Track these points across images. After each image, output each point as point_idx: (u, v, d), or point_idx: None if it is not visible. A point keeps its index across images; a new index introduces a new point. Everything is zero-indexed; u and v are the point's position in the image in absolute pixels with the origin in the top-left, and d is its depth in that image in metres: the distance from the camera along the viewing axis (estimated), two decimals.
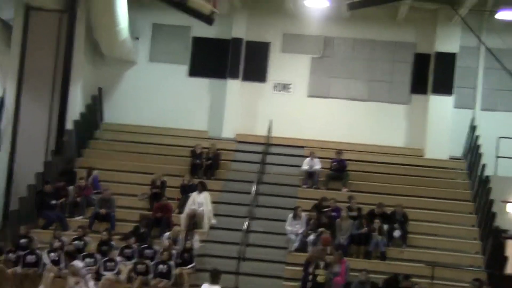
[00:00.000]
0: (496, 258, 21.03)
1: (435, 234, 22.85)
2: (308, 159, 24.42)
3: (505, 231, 22.50)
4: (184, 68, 27.22)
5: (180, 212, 22.64)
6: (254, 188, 23.13)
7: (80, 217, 22.54)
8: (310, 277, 19.55)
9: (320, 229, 21.45)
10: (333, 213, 22.12)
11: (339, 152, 24.53)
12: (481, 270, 21.36)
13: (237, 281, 20.39)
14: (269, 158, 25.26)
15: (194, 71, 27.12)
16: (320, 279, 19.44)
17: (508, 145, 24.06)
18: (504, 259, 20.96)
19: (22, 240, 20.66)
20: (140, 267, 20.14)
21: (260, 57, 26.88)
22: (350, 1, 22.46)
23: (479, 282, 19.02)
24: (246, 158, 25.43)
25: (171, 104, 26.96)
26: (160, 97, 27.00)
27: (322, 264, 19.65)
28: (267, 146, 25.56)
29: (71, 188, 22.97)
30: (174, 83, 27.14)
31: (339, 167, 24.27)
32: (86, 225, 21.68)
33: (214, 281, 13.45)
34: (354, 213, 22.26)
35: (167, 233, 21.21)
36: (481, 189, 23.42)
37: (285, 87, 26.83)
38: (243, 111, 26.81)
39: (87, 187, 22.97)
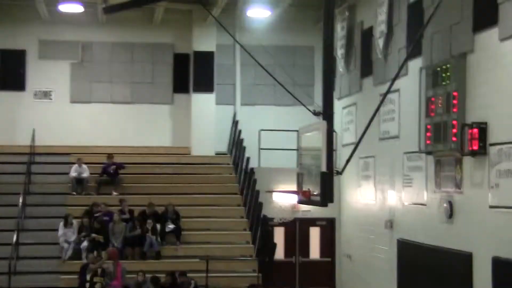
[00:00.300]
0: (266, 245, 21.92)
1: (207, 229, 23.44)
2: (75, 166, 24.00)
3: (271, 219, 23.53)
4: None
5: None
6: (21, 200, 22.44)
7: None
8: (88, 284, 19.42)
9: (93, 235, 21.31)
10: (105, 218, 21.99)
11: (110, 155, 24.32)
12: (252, 259, 22.21)
13: None
14: (35, 168, 24.56)
15: None
16: (97, 286, 19.42)
17: (268, 137, 25.08)
18: (273, 246, 21.89)
19: None
20: None
21: (16, 65, 26.04)
22: (105, 6, 22.36)
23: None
24: (9, 169, 24.56)
25: None
26: None
27: (99, 271, 19.58)
28: (31, 156, 24.84)
29: None
30: None
31: (116, 169, 24.02)
32: None
33: None
34: (127, 216, 22.29)
35: None
36: (247, 181, 24.31)
37: (46, 94, 26.19)
38: (1, 121, 25.83)
39: None
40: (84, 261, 20.67)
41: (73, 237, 21.48)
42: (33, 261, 21.31)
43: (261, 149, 25.07)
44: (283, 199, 24.17)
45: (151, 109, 26.66)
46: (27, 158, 24.54)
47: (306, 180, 15.93)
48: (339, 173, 15.19)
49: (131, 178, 24.61)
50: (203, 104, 26.35)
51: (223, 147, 26.74)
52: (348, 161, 15.53)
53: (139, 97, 26.62)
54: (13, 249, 20.78)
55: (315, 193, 16.88)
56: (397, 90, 19.25)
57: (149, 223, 21.70)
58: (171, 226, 22.09)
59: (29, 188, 23.67)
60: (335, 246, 25.97)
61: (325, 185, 14.29)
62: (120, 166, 24.11)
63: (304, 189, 16.32)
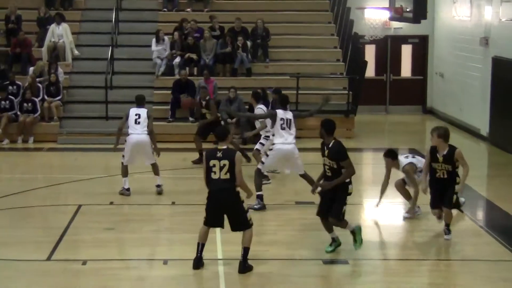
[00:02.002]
0: (356, 63, 21.77)
1: (297, 46, 23.31)
2: None
3: (362, 36, 23.20)
4: None
5: (40, 46, 22.05)
6: (114, 15, 22.67)
7: None
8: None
9: (188, 54, 21.41)
10: (196, 34, 22.09)
11: None
12: (343, 77, 22.17)
13: (107, 109, 20.42)
14: None
15: None
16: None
17: None
18: (364, 64, 21.71)
19: None
20: (4, 103, 19.78)
21: None
22: None
23: None
24: None
25: None
26: None
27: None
28: None
29: None
30: None
31: None
32: None
33: (140, 104, 13.99)
34: (217, 33, 22.32)
35: (31, 68, 20.75)
36: None
37: None
38: None
39: None
40: (177, 77, 21.02)
41: (165, 53, 21.75)
42: (128, 76, 21.81)
43: None
44: (374, 15, 23.70)
45: None
46: None
47: None
48: None
49: None
50: None
51: None
52: None
53: None
54: (109, 64, 21.24)
55: (407, 10, 16.59)
56: None
57: (240, 40, 21.71)
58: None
59: (121, 3, 23.82)
60: (427, 64, 25.67)
61: (418, 0, 13.89)
62: None
63: (397, 5, 16.07)
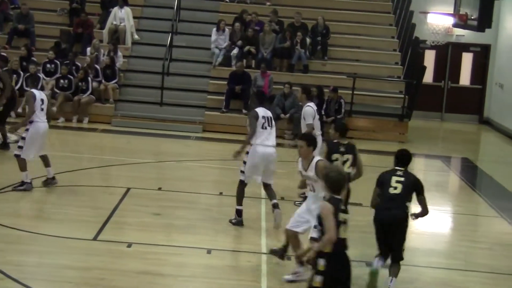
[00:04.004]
0: (414, 68, 21.55)
1: (356, 46, 23.18)
2: None
3: (423, 41, 22.96)
4: None
5: (102, 28, 22.29)
6: (176, 3, 22.79)
7: None
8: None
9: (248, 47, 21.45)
10: (256, 27, 22.10)
11: None
12: (400, 80, 21.98)
13: (162, 95, 20.55)
14: None
15: None
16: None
17: None
18: (423, 69, 21.48)
19: None
20: (63, 82, 20.05)
21: None
22: None
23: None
24: None
25: None
26: None
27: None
28: None
29: None
30: None
31: None
32: (5, 41, 21.24)
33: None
34: (277, 27, 22.29)
35: (89, 48, 21.00)
36: (401, 1, 23.62)
37: None
38: None
39: (3, 2, 22.21)
40: (233, 68, 21.05)
41: (224, 44, 21.79)
42: (185, 64, 21.91)
43: None
44: (437, 21, 23.42)
45: None
46: None
47: (464, 2, 15.30)
48: None
49: None
50: None
51: None
52: None
53: None
54: (167, 51, 21.36)
55: (472, 17, 16.29)
56: None
57: (299, 36, 21.65)
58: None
59: None
60: (487, 73, 25.32)
61: (484, 8, 13.67)
62: None
63: (461, 12, 15.82)
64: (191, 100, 20.88)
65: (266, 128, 11.48)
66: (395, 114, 20.83)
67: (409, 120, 21.05)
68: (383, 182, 9.25)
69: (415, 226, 12.10)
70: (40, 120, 12.70)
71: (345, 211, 7.37)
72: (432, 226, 12.71)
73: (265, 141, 11.46)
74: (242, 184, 11.57)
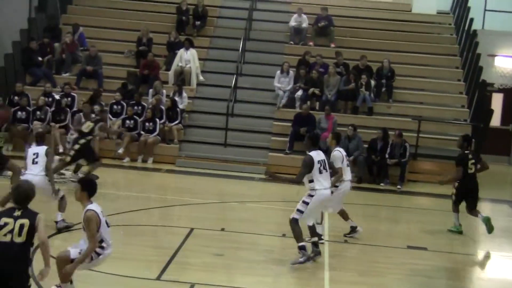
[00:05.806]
0: (481, 111, 21.24)
1: (421, 89, 22.99)
2: (295, 15, 24.14)
3: (491, 84, 22.64)
4: None
5: (167, 69, 22.59)
6: (241, 45, 23.00)
7: (67, 74, 22.46)
8: None
9: (312, 89, 21.42)
10: (320, 69, 22.11)
11: (324, 8, 24.18)
12: (466, 124, 21.66)
13: (226, 136, 20.65)
14: (256, 14, 24.95)
15: None
16: None
17: None
18: (490, 112, 21.16)
19: (16, 97, 20.76)
20: (129, 123, 20.32)
21: None
22: None
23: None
24: (232, 14, 25.11)
25: None
26: None
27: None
28: (253, 2, 25.18)
29: (57, 44, 22.76)
30: None
31: (325, 25, 23.94)
32: (73, 82, 21.69)
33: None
34: (341, 69, 22.26)
35: (151, 90, 21.26)
36: (468, 44, 23.39)
37: None
38: None
39: (73, 44, 22.72)
40: (298, 110, 21.06)
41: (288, 86, 21.85)
42: (249, 105, 22.00)
43: (487, 10, 23.86)
44: (506, 64, 23.11)
45: None
46: (249, 4, 24.89)
47: None
48: None
49: (348, 31, 24.40)
50: None
51: (446, 5, 25.68)
52: None
53: None
54: (232, 92, 21.50)
55: None
56: None
57: (363, 78, 21.58)
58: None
59: (249, 34, 24.13)
60: None
61: None
62: (329, 19, 23.89)
63: None
64: (255, 141, 20.93)
65: (322, 172, 11.45)
66: None
67: None
68: (464, 162, 13.99)
69: (484, 273, 11.83)
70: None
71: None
72: (500, 272, 12.39)
73: (325, 184, 11.46)
74: (297, 222, 11.44)
